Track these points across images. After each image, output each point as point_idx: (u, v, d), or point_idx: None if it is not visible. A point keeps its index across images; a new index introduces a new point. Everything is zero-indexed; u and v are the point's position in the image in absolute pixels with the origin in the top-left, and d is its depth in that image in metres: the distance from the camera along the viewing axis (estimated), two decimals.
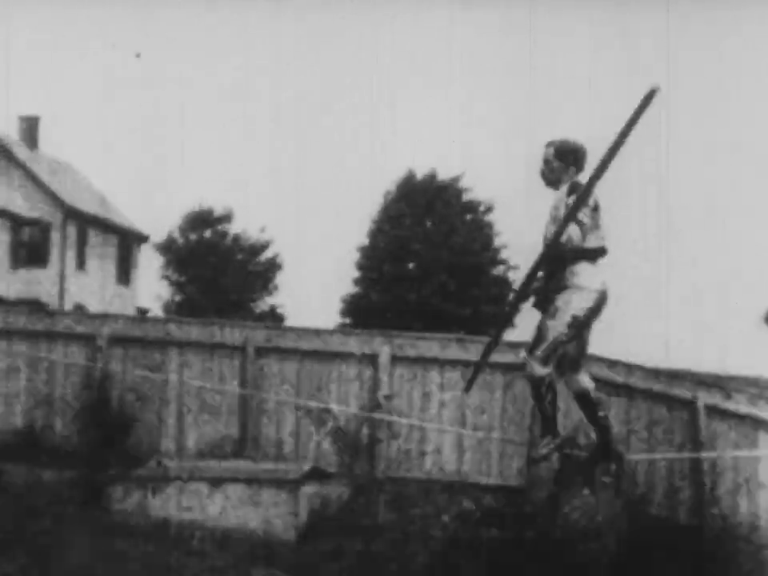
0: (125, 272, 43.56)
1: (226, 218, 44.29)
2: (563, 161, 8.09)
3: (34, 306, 35.95)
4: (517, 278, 40.79)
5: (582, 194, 7.75)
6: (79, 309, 39.33)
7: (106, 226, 42.65)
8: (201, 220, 44.11)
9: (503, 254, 41.38)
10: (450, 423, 18.24)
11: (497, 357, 18.41)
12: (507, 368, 18.26)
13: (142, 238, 44.32)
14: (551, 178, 8.11)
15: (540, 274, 8.16)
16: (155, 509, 16.31)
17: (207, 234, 44.10)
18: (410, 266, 41.14)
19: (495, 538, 16.16)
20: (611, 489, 17.57)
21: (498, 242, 41.32)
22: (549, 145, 8.12)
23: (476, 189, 41.31)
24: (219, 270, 43.23)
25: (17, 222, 39.61)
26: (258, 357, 18.37)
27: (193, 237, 44.01)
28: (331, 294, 42.19)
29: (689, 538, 16.83)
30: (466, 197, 41.57)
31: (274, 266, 44.30)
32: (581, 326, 8.09)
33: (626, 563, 15.39)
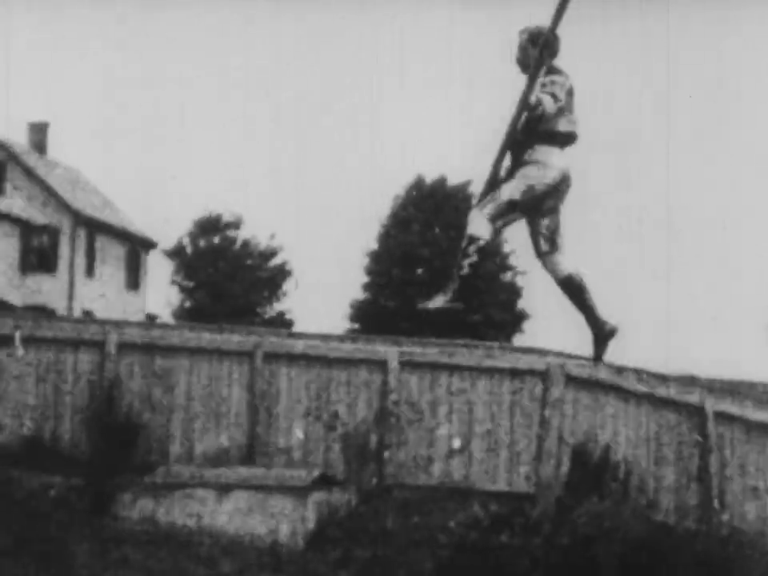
0: (134, 278, 43.63)
1: (235, 224, 44.34)
2: (536, 46, 8.15)
3: (43, 313, 36.03)
4: (525, 284, 40.83)
5: (540, 51, 7.83)
6: (88, 315, 39.39)
7: (115, 232, 42.73)
8: (210, 226, 44.17)
9: (511, 260, 41.37)
10: (458, 429, 18.23)
11: (504, 363, 18.46)
12: (514, 374, 18.27)
13: (151, 244, 44.39)
14: (527, 63, 8.16)
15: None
16: (163, 516, 16.33)
17: (216, 240, 44.15)
18: (419, 271, 41.15)
19: (503, 544, 16.15)
20: (619, 495, 17.55)
21: (506, 248, 41.31)
22: (523, 32, 8.21)
23: None
24: (228, 276, 43.27)
25: (26, 229, 39.69)
26: (266, 363, 18.38)
27: (202, 243, 44.06)
28: (340, 300, 42.21)
29: (696, 545, 16.80)
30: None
31: (282, 272, 44.34)
32: (537, 198, 8.09)
33: (634, 570, 15.37)
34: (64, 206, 40.46)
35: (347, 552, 15.90)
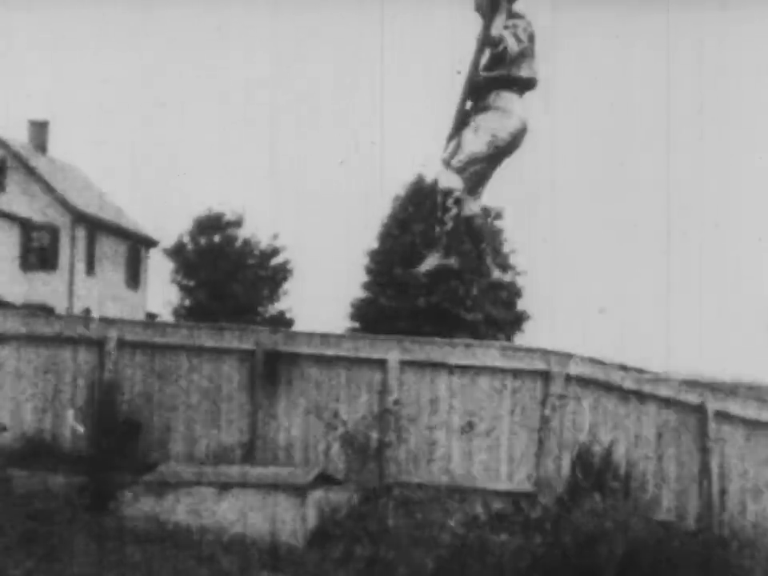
0: (134, 276, 43.62)
1: (236, 222, 44.32)
2: None
3: (44, 310, 36.01)
4: (525, 283, 40.81)
5: None
6: (88, 313, 39.39)
7: (116, 231, 42.71)
8: (210, 225, 44.15)
9: (511, 260, 41.35)
10: (458, 428, 18.23)
11: (505, 362, 18.45)
12: (515, 372, 18.26)
13: (152, 243, 44.38)
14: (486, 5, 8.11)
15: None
16: (163, 514, 16.32)
17: (217, 238, 44.12)
18: None
19: (504, 543, 16.14)
20: (620, 494, 17.54)
21: (506, 248, 41.30)
22: None
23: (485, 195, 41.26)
24: (229, 275, 43.25)
25: (26, 227, 39.68)
26: (266, 361, 18.37)
27: (202, 241, 44.03)
28: (340, 299, 42.19)
29: (697, 544, 16.80)
30: None
31: (284, 271, 44.32)
32: (499, 151, 8.08)
33: (635, 569, 15.36)
34: (64, 205, 40.44)
35: (347, 551, 15.89)
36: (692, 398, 18.33)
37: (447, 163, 8.11)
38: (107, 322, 19.44)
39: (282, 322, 42.96)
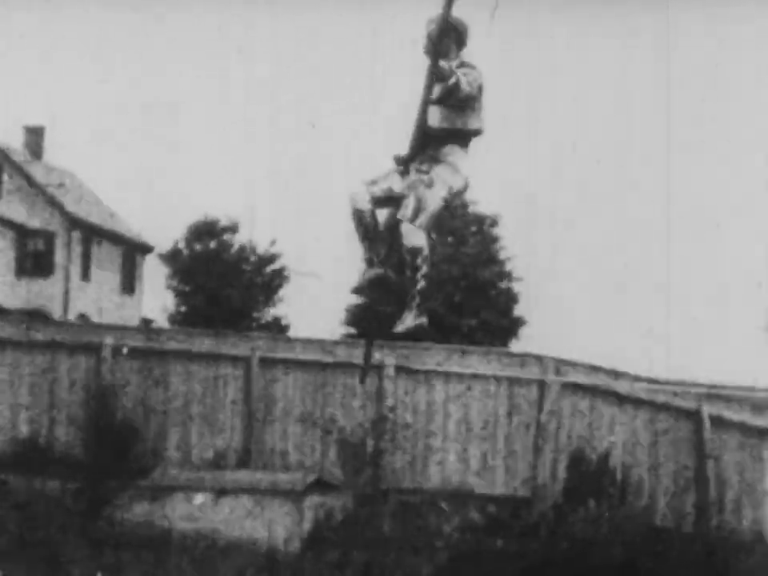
0: (129, 282, 43.61)
1: (231, 228, 44.30)
2: (446, 37, 8.07)
3: (39, 316, 35.98)
4: (522, 289, 40.79)
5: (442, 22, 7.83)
6: (84, 319, 39.35)
7: (111, 236, 42.70)
8: (206, 230, 44.13)
9: (507, 266, 41.35)
10: (455, 434, 18.22)
11: (501, 369, 18.45)
12: (511, 379, 18.27)
13: (147, 249, 44.37)
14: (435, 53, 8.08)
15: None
16: (159, 519, 16.29)
17: (212, 244, 44.10)
18: None
19: (500, 548, 16.13)
20: (616, 500, 17.54)
21: (503, 254, 41.30)
22: (431, 22, 8.13)
23: (481, 202, 41.30)
24: (224, 281, 43.23)
25: (21, 233, 39.65)
26: (262, 367, 18.36)
27: (198, 247, 44.01)
28: (336, 304, 42.15)
29: (693, 548, 16.80)
30: (471, 209, 41.55)
31: (280, 277, 44.30)
32: (448, 204, 8.13)
33: (631, 574, 15.35)
34: (60, 210, 40.42)
35: (343, 556, 15.88)
36: (687, 403, 18.34)
37: (409, 221, 8.10)
38: (103, 327, 19.42)
39: (277, 327, 42.93)
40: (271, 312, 44.33)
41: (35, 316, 35.32)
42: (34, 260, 39.88)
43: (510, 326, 40.53)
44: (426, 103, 7.97)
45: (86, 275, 41.19)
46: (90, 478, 16.98)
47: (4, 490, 16.68)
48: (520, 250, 40.87)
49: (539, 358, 18.52)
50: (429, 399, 18.32)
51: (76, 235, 40.75)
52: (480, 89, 8.06)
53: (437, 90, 7.91)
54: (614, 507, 17.09)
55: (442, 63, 7.80)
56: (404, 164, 8.19)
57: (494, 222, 41.54)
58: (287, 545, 16.19)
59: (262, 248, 44.49)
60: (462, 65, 8.06)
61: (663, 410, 18.27)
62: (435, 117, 8.06)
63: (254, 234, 44.29)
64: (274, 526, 16.26)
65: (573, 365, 18.45)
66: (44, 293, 39.66)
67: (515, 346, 39.94)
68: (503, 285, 41.14)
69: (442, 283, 39.55)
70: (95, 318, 39.44)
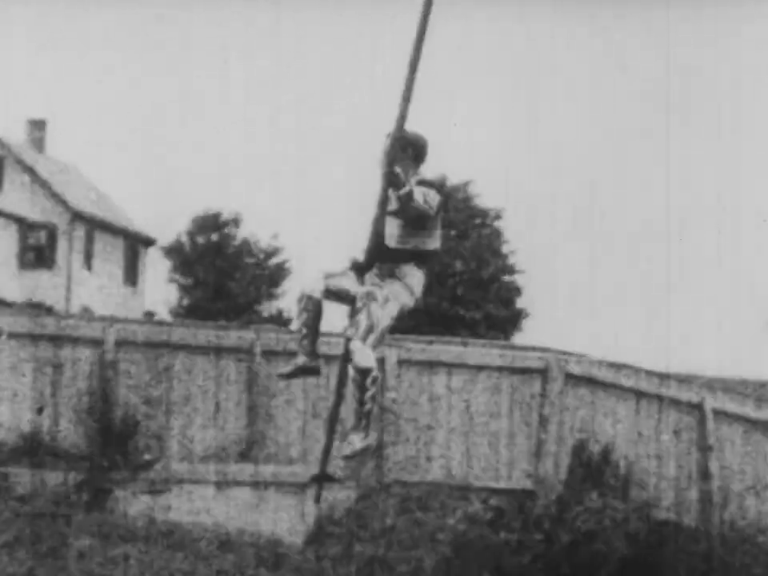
0: (132, 275, 43.61)
1: (234, 221, 44.31)
2: (404, 152, 7.98)
3: (41, 309, 35.99)
4: (525, 282, 40.78)
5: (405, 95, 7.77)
6: (86, 312, 39.36)
7: (113, 229, 42.70)
8: (208, 223, 44.13)
9: (510, 260, 41.34)
10: (457, 427, 18.21)
11: (504, 361, 18.44)
12: (513, 371, 18.25)
13: (149, 242, 44.36)
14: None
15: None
16: (161, 512, 16.29)
17: (215, 237, 44.11)
18: None
19: (503, 540, 16.12)
20: (618, 492, 17.53)
21: (506, 248, 41.28)
22: (388, 136, 8.03)
23: (484, 195, 41.28)
24: (226, 274, 43.24)
25: (24, 225, 39.66)
26: (265, 360, 18.35)
27: (200, 240, 44.01)
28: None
29: (696, 542, 16.80)
30: (474, 203, 41.54)
31: (282, 270, 44.31)
32: (397, 320, 8.06)
33: (634, 567, 15.35)
34: (62, 203, 40.42)
35: (346, 549, 15.87)
36: (691, 396, 18.34)
37: (361, 339, 8.01)
38: (105, 320, 19.41)
39: (280, 320, 42.95)
40: (274, 305, 44.36)
41: (38, 308, 35.34)
42: (37, 253, 39.89)
43: (513, 319, 40.53)
44: (383, 213, 7.84)
45: (88, 268, 41.20)
46: (92, 471, 16.98)
47: (7, 482, 16.68)
48: (523, 244, 40.84)
49: (542, 351, 18.51)
50: (431, 392, 18.30)
51: (78, 228, 40.75)
52: (440, 206, 7.89)
53: (393, 200, 7.77)
54: (616, 500, 17.08)
55: (397, 169, 7.63)
56: (360, 271, 8.10)
57: (497, 216, 41.53)
58: (290, 538, 16.18)
59: (264, 242, 44.53)
60: (422, 183, 7.89)
61: (666, 402, 18.26)
62: (392, 234, 7.95)
63: (258, 228, 44.33)
64: (277, 518, 16.26)
65: (576, 357, 18.45)
66: (47, 285, 39.67)
67: (518, 339, 39.93)
68: (506, 278, 41.13)
69: (444, 276, 39.55)
70: (98, 311, 39.46)
